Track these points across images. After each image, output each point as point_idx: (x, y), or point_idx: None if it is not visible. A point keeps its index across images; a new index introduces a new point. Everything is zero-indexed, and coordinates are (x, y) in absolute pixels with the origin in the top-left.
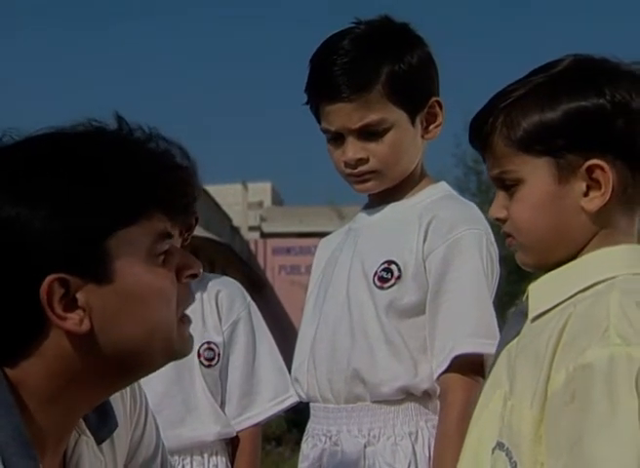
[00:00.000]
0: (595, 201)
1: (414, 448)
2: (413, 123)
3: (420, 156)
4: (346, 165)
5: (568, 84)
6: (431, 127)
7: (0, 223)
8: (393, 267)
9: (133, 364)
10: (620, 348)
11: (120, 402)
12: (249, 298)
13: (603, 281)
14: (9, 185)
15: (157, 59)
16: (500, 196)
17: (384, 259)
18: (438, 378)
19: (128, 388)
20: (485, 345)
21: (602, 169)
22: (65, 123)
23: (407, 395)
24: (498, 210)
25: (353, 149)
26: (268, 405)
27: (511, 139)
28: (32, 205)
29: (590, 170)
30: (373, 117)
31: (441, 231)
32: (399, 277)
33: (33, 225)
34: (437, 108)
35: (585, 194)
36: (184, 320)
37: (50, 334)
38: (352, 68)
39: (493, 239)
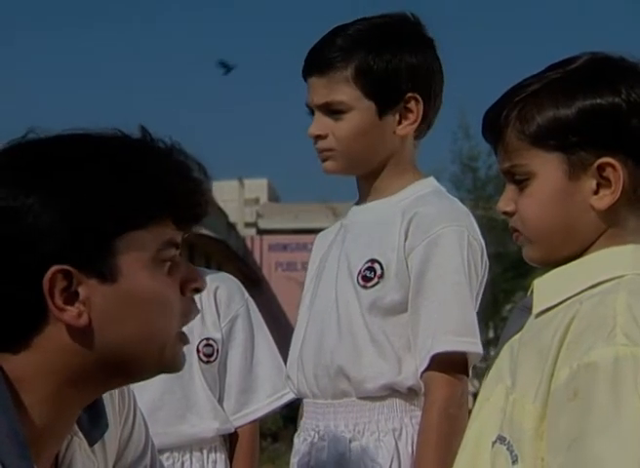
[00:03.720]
0: (605, 199)
1: (397, 444)
2: (381, 115)
3: (390, 150)
4: (313, 141)
5: (584, 81)
6: (404, 123)
7: (12, 211)
8: (376, 266)
9: (127, 366)
10: (625, 348)
11: (109, 400)
12: (247, 295)
13: (610, 280)
14: (26, 176)
15: (153, 56)
16: (510, 190)
17: (368, 258)
18: (421, 376)
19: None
20: (464, 343)
21: (613, 167)
22: (92, 126)
23: (392, 391)
24: (506, 203)
25: (316, 125)
26: (267, 401)
27: (524, 133)
28: (46, 197)
29: (601, 168)
30: (334, 97)
31: (421, 229)
32: (382, 275)
33: (44, 216)
34: (413, 105)
35: (595, 192)
36: (181, 338)
37: (49, 326)
38: (328, 47)
39: (477, 234)
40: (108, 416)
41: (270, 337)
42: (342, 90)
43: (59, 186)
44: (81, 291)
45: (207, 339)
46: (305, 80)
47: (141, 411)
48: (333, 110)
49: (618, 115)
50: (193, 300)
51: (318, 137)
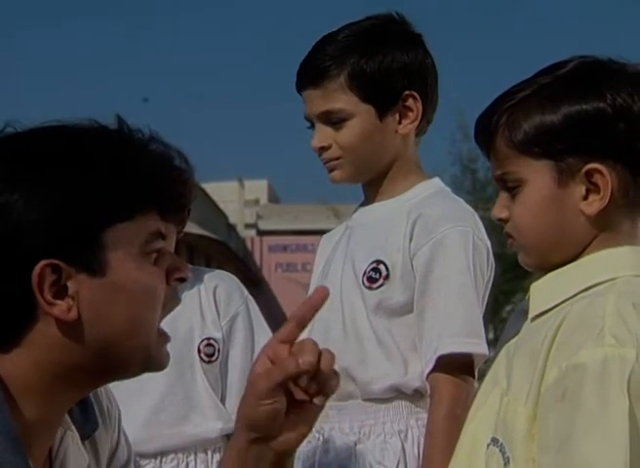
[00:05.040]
0: (594, 204)
1: (403, 446)
2: (381, 117)
3: (393, 151)
4: (318, 152)
5: (570, 87)
6: (405, 122)
7: None
8: (382, 267)
9: (115, 359)
10: (613, 349)
11: (102, 404)
12: (246, 292)
13: (604, 282)
14: (8, 172)
15: (154, 56)
16: (503, 197)
17: (373, 259)
18: (427, 378)
19: (104, 394)
20: (469, 344)
21: (601, 173)
22: (69, 119)
23: (398, 393)
24: (500, 210)
25: (318, 137)
26: None
27: (512, 141)
28: (30, 192)
29: (589, 174)
30: (332, 106)
31: (426, 229)
32: (387, 277)
33: (29, 211)
34: (412, 102)
35: (585, 197)
36: (163, 335)
37: (39, 322)
38: (318, 58)
39: (482, 235)
40: (100, 422)
41: (271, 335)
42: (339, 97)
43: (43, 181)
44: (70, 285)
45: (208, 339)
46: (300, 93)
47: (125, 431)
48: (333, 119)
49: (603, 120)
50: (175, 289)
51: (322, 149)
